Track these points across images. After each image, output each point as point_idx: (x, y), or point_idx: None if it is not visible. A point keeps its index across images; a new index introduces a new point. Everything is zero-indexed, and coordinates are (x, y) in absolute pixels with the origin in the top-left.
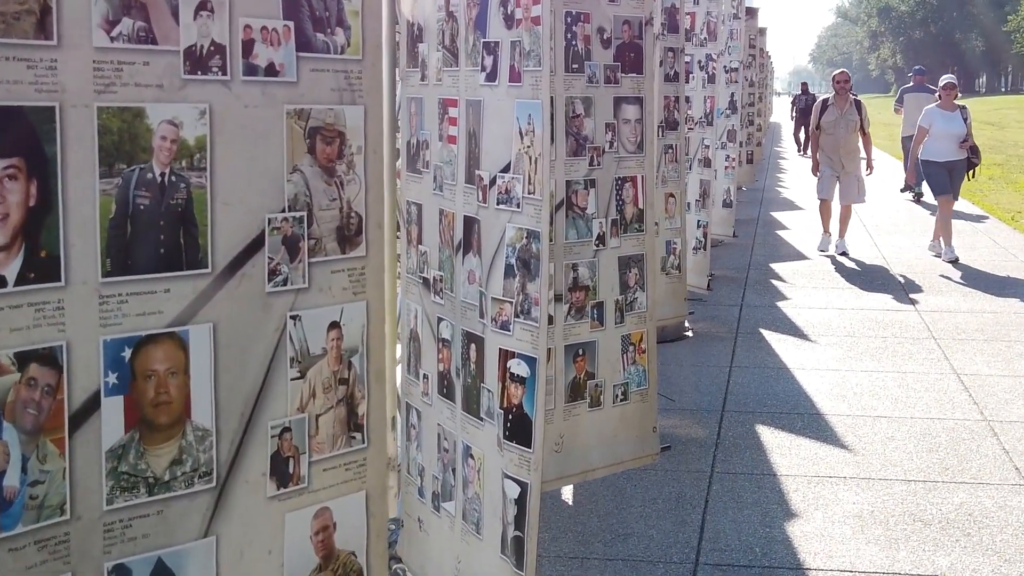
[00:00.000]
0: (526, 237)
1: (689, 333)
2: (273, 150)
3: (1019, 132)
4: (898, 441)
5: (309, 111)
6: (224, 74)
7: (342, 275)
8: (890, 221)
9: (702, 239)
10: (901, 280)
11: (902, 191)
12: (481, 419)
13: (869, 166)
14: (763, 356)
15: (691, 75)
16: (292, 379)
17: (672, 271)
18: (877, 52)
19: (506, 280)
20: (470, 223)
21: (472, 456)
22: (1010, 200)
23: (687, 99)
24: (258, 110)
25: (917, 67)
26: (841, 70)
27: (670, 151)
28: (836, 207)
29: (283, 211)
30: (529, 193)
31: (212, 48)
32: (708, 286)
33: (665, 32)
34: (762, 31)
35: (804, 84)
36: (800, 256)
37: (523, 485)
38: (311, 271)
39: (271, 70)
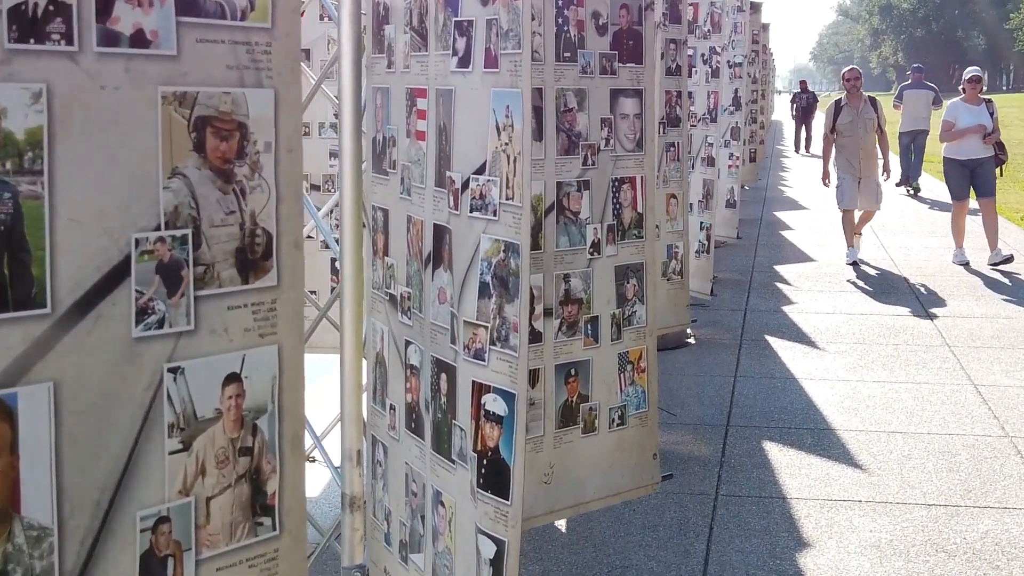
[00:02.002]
0: (503, 250)
1: (691, 340)
2: (143, 148)
3: (1022, 130)
4: (915, 460)
5: (195, 95)
6: (69, 43)
7: (243, 312)
8: (897, 221)
9: (705, 242)
10: (910, 283)
11: (897, 185)
12: (453, 461)
13: (886, 170)
14: (769, 365)
15: (694, 69)
16: (171, 452)
17: (674, 277)
18: (878, 50)
19: (480, 300)
20: (440, 233)
21: (443, 504)
22: (1017, 200)
23: (690, 94)
24: (120, 93)
25: (916, 65)
26: (851, 67)
27: (672, 149)
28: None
29: (158, 228)
30: (507, 199)
31: (51, 7)
32: (711, 291)
33: (667, 22)
34: (765, 27)
35: (803, 82)
36: (805, 258)
37: (499, 543)
38: (199, 308)
39: (139, 39)
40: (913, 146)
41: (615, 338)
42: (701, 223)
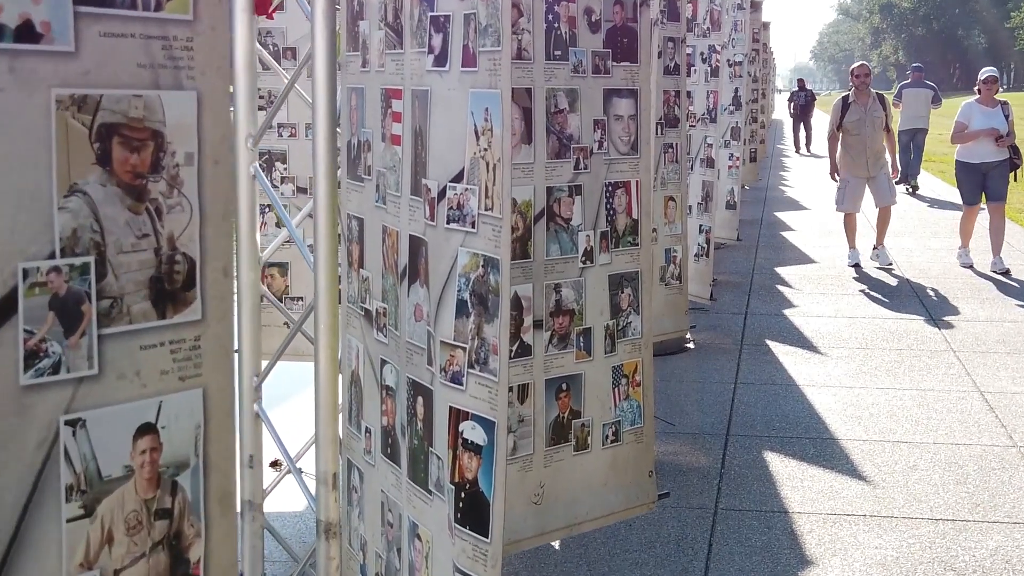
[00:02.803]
0: (482, 265)
1: (690, 345)
2: (33, 161)
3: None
4: (921, 471)
5: (98, 99)
6: None
7: (159, 352)
8: (899, 222)
9: (704, 245)
10: (913, 286)
11: (897, 183)
12: (430, 492)
13: (894, 169)
14: (770, 370)
15: (693, 68)
16: (70, 520)
17: (672, 282)
18: (879, 49)
19: (457, 319)
20: (416, 245)
21: (419, 537)
22: (1020, 200)
23: (688, 94)
24: (5, 96)
25: (915, 64)
26: (860, 63)
27: (670, 150)
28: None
29: (52, 256)
30: (486, 209)
31: None
32: (711, 295)
33: (664, 20)
34: (766, 25)
35: (801, 80)
36: (806, 259)
37: None
38: (104, 349)
39: (27, 32)
40: (912, 144)
41: (609, 351)
42: (700, 226)
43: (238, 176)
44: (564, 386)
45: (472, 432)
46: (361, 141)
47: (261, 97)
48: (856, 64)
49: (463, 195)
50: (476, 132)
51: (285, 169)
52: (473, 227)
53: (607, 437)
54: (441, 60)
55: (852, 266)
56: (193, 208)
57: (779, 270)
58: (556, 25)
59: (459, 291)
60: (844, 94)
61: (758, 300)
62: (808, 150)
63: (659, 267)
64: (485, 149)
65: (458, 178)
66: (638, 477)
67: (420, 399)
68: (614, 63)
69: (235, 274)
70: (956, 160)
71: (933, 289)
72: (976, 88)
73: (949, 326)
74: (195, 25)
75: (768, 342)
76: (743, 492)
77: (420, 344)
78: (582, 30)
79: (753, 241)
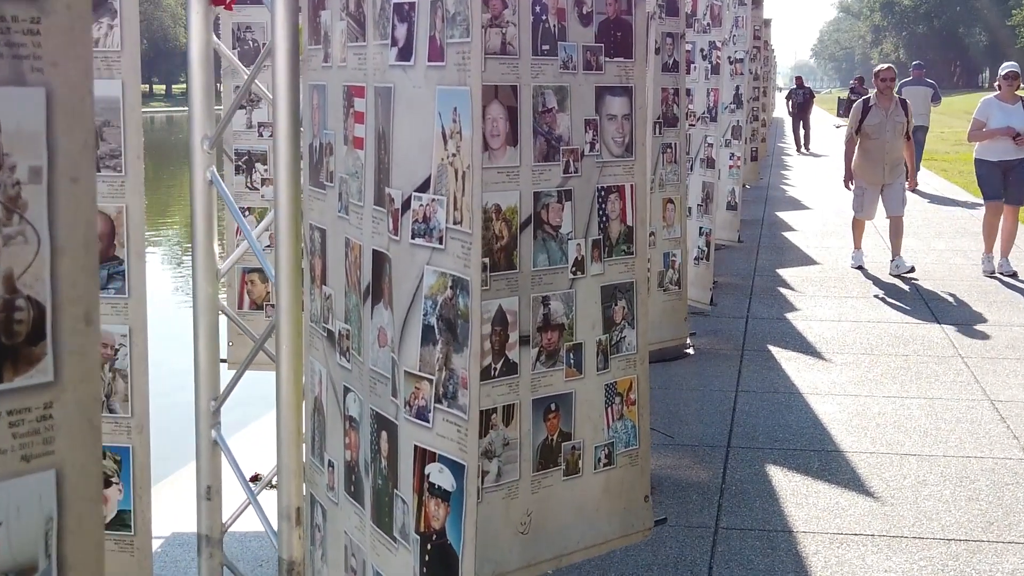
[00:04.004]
0: (450, 287)
1: (690, 350)
2: None
3: None
4: (931, 487)
5: None
6: None
7: None
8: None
9: (705, 248)
10: (918, 288)
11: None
12: (394, 539)
13: (912, 179)
14: (772, 378)
15: (692, 65)
16: None
17: (671, 287)
18: (880, 47)
19: (423, 347)
20: (380, 261)
21: None
22: None
23: (688, 92)
24: None
25: (916, 62)
26: (887, 65)
27: (668, 151)
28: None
29: None
30: (455, 223)
31: None
32: (711, 300)
33: (663, 14)
34: (767, 22)
35: (799, 78)
36: (809, 261)
37: None
38: None
39: None
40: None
41: (601, 368)
42: (700, 228)
43: (193, 182)
44: (553, 406)
45: (440, 476)
46: (323, 144)
47: (250, 101)
48: (882, 67)
49: (429, 206)
50: (444, 135)
51: (266, 171)
52: (440, 243)
53: (600, 460)
54: (405, 53)
55: (856, 268)
56: (41, 238)
57: (781, 272)
58: (544, 17)
59: (425, 315)
60: (865, 96)
61: (759, 303)
62: (807, 148)
63: (657, 272)
64: (453, 154)
65: (424, 187)
66: (633, 502)
67: (384, 434)
68: (607, 59)
69: (192, 288)
70: (975, 158)
71: (938, 291)
72: (996, 84)
73: (956, 330)
74: (43, 3)
75: (770, 347)
76: (745, 509)
77: (384, 373)
78: (572, 23)
79: (754, 242)
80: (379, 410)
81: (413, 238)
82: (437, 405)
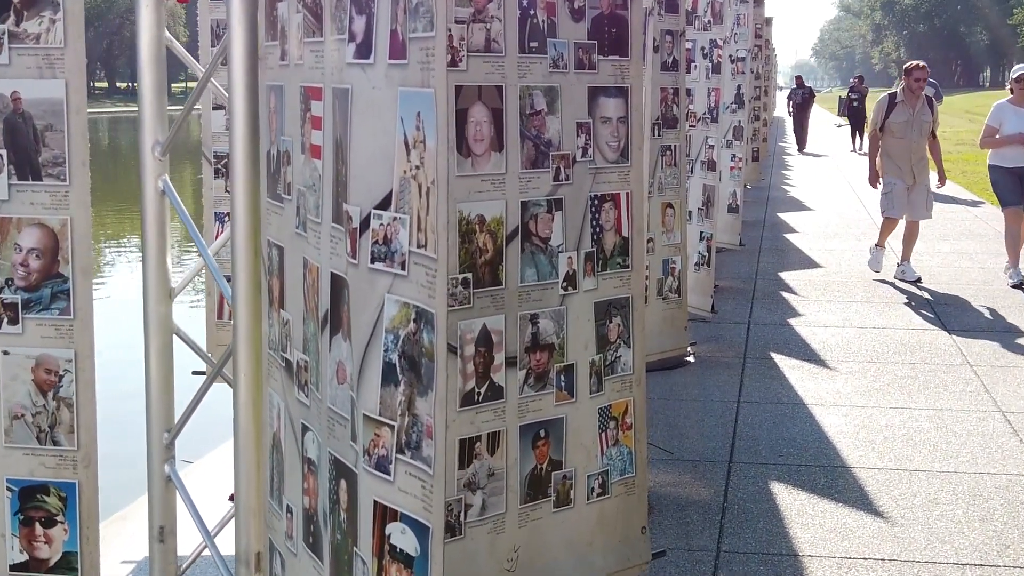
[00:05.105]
0: (414, 320)
1: (690, 358)
2: None
3: None
4: (943, 506)
5: None
6: None
7: None
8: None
9: (705, 253)
10: (924, 292)
11: None
12: None
13: (942, 178)
14: (775, 387)
15: (693, 64)
16: None
17: (671, 295)
18: (880, 46)
19: (384, 388)
20: (338, 286)
21: None
22: None
23: (688, 92)
24: None
25: (915, 61)
26: (920, 63)
27: (668, 153)
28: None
29: None
30: (419, 246)
31: None
32: (712, 307)
33: (662, 11)
34: (768, 21)
35: (799, 78)
36: (812, 264)
37: None
38: None
39: None
40: None
41: (595, 390)
42: (701, 233)
43: (144, 191)
44: (542, 433)
45: (401, 538)
46: (280, 152)
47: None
48: (914, 63)
49: (391, 226)
50: (406, 144)
51: None
52: (403, 269)
53: (593, 490)
54: (364, 50)
55: (875, 270)
56: None
57: (783, 275)
58: (532, 12)
59: (386, 351)
60: (891, 91)
61: (762, 308)
62: (803, 149)
63: (656, 280)
64: (416, 167)
65: (385, 204)
66: (629, 535)
67: (343, 483)
68: (600, 57)
69: (143, 307)
70: (989, 163)
71: (945, 296)
72: (1008, 87)
73: (964, 337)
74: None
75: (773, 355)
76: (748, 531)
77: (343, 413)
78: (563, 18)
79: (756, 244)
80: (338, 455)
81: (372, 262)
82: (399, 456)
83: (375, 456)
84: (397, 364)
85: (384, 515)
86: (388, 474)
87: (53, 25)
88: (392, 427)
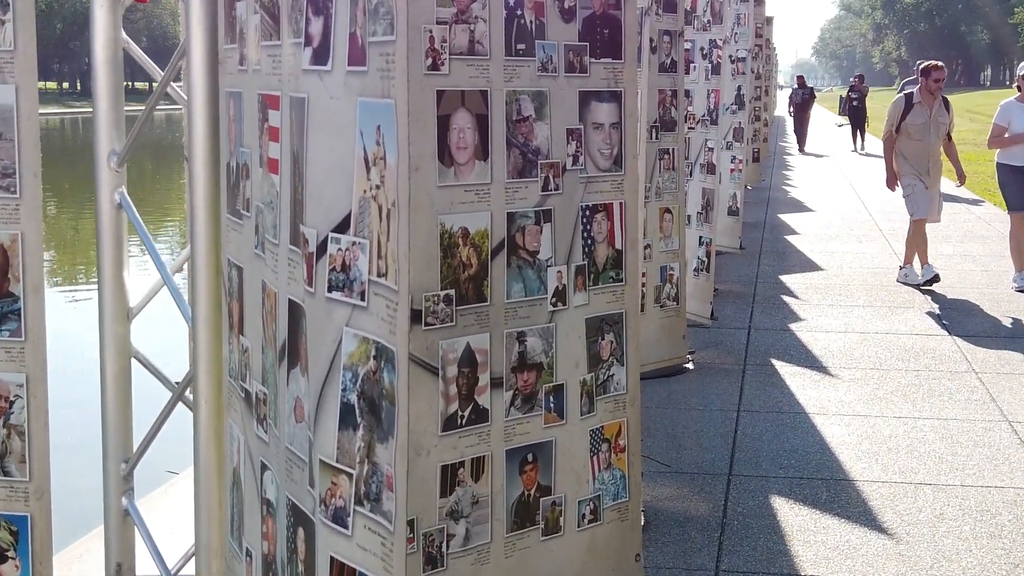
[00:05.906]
0: (373, 357)
1: (689, 365)
2: None
3: None
4: (949, 522)
5: None
6: None
7: None
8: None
9: (705, 258)
10: (927, 296)
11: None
12: None
13: (962, 178)
14: (776, 396)
15: (692, 65)
16: None
17: (669, 303)
18: (881, 45)
19: (341, 432)
20: (297, 314)
21: None
22: None
23: (687, 93)
24: None
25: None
26: (938, 63)
27: (666, 156)
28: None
29: None
30: (379, 275)
31: None
32: (712, 314)
33: (660, 11)
34: (769, 20)
35: (800, 78)
36: (813, 267)
37: None
38: None
39: None
40: None
41: (586, 411)
42: (700, 238)
43: (99, 205)
44: (530, 457)
45: None
46: (240, 164)
47: None
48: (932, 63)
49: (349, 252)
50: (366, 160)
51: None
52: (362, 299)
53: (584, 516)
54: (321, 55)
55: (928, 281)
56: None
57: (784, 279)
58: (519, 12)
59: (344, 390)
60: (908, 92)
61: (762, 313)
62: (805, 148)
63: (654, 287)
64: (377, 186)
65: (343, 227)
66: (623, 563)
67: (301, 531)
68: (592, 60)
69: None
70: (997, 162)
71: (948, 300)
72: (1016, 85)
73: (969, 343)
74: None
75: (773, 361)
76: (748, 548)
77: (301, 455)
78: (552, 19)
79: (756, 247)
80: (296, 500)
81: (330, 291)
82: (357, 507)
83: (332, 507)
84: (356, 405)
85: (342, 574)
86: (346, 527)
87: (2, 27)
88: (350, 475)
